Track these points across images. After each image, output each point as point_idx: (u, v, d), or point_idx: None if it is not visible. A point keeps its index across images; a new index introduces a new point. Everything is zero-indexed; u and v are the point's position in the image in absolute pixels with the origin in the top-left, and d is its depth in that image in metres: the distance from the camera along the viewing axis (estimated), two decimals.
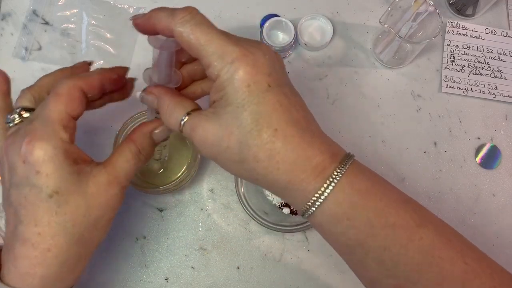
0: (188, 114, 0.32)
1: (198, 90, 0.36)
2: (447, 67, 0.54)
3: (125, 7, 0.55)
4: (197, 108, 0.32)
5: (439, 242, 0.31)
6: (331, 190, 0.30)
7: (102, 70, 0.36)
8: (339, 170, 0.30)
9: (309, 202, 0.30)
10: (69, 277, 0.33)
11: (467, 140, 0.53)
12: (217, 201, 0.51)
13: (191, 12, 0.30)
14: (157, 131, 0.36)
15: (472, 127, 0.54)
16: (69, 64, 0.53)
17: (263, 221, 0.47)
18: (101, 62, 0.54)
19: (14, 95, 0.53)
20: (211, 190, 0.51)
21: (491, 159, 0.52)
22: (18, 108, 0.35)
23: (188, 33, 0.29)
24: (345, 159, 0.31)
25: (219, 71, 0.29)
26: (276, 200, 0.50)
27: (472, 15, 0.56)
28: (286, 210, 0.49)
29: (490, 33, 0.55)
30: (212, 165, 0.51)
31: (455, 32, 0.55)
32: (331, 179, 0.30)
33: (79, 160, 0.33)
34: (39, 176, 0.30)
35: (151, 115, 0.38)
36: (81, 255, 0.33)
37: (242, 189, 0.48)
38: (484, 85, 0.54)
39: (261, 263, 0.49)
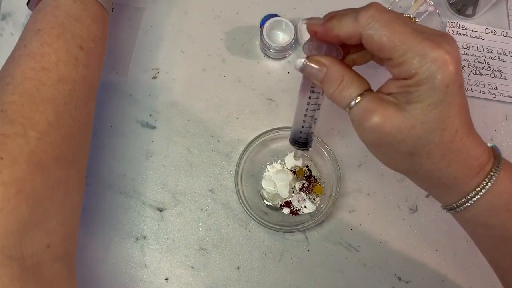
0: (361, 94, 0.30)
1: (349, 62, 0.35)
2: None
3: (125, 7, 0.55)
4: (370, 89, 0.31)
5: None
6: (492, 183, 0.30)
7: None
8: (497, 165, 0.31)
9: (466, 196, 0.31)
10: None
11: None
12: (217, 201, 0.50)
13: (377, 9, 0.28)
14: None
15: None
16: None
17: (263, 221, 0.47)
18: None
19: None
20: (211, 190, 0.51)
21: None
22: None
23: (379, 35, 0.28)
24: (497, 155, 0.32)
25: (417, 69, 0.28)
26: (273, 202, 0.50)
27: (472, 15, 0.56)
28: (286, 210, 0.49)
29: (490, 33, 0.55)
30: (212, 165, 0.51)
31: (455, 32, 0.55)
32: (492, 174, 0.31)
33: None
34: None
35: (305, 90, 0.35)
36: None
37: (242, 189, 0.48)
38: (484, 85, 0.54)
39: (261, 263, 0.49)
